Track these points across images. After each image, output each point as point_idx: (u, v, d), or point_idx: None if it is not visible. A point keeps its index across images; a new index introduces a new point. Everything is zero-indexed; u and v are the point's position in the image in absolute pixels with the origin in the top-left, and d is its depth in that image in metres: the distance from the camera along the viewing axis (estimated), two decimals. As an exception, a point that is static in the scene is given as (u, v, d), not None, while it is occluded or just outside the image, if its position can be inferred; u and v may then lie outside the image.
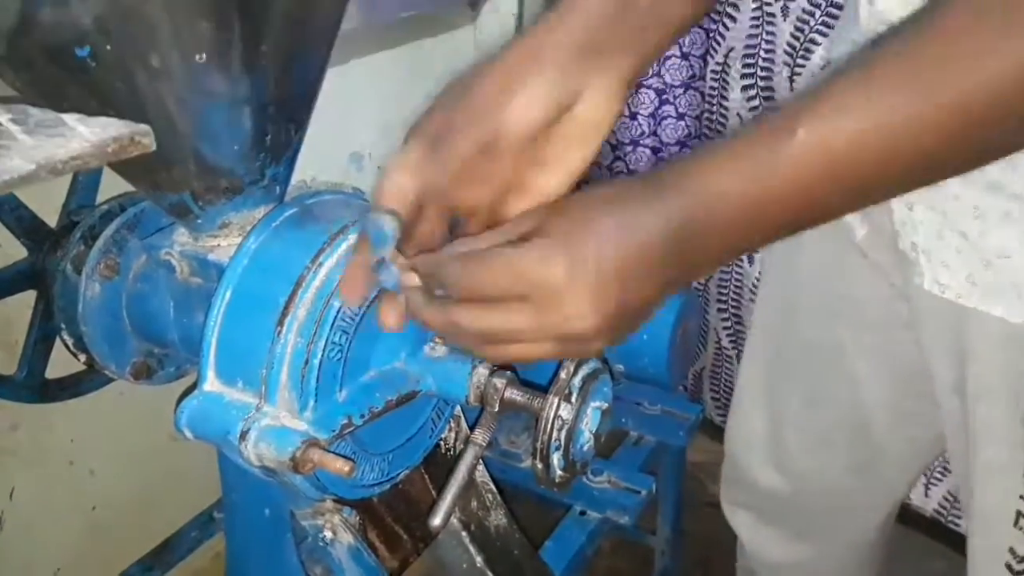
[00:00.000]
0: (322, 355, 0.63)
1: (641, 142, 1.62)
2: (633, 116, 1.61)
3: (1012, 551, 0.68)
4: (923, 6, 0.43)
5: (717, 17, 1.43)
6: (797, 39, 1.31)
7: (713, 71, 1.47)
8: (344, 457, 0.60)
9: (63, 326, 0.81)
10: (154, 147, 0.53)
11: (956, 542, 1.53)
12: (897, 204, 0.65)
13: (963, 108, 0.40)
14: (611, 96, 0.50)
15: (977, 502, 0.70)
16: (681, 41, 1.51)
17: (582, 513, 1.11)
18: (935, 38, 0.41)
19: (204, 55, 0.60)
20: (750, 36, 1.38)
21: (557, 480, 0.67)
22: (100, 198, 0.90)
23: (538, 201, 0.52)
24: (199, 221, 0.72)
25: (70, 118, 0.54)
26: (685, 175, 0.45)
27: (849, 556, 0.98)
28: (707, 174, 0.44)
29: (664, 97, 1.57)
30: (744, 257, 1.55)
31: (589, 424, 0.69)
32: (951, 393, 0.70)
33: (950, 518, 1.51)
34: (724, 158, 0.44)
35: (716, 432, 1.81)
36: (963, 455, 0.70)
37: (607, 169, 1.70)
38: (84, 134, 0.51)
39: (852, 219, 0.72)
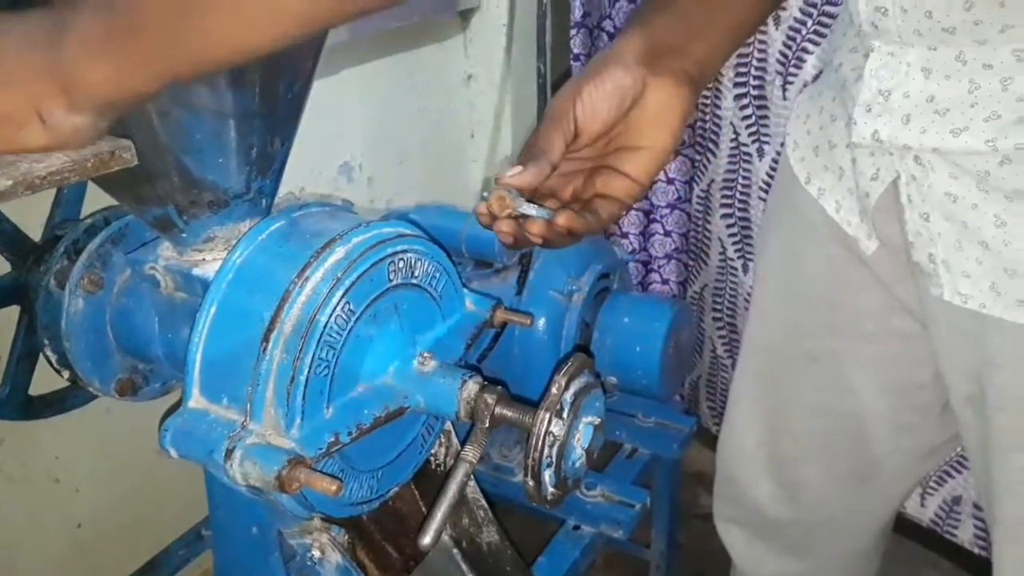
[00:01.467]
0: (308, 371, 0.62)
1: None
2: None
3: None
4: None
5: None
6: (789, 48, 1.31)
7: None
8: (331, 476, 0.59)
9: (46, 342, 0.80)
10: (135, 162, 0.52)
11: (951, 552, 1.52)
12: (911, 215, 0.64)
13: None
14: (677, 87, 0.59)
15: (1005, 512, 0.69)
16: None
17: (576, 528, 1.10)
18: None
19: (187, 67, 0.59)
20: (743, 45, 1.38)
21: (549, 497, 0.66)
22: (85, 211, 0.88)
23: (627, 183, 0.61)
24: (184, 235, 0.71)
25: (49, 132, 0.52)
26: None
27: (844, 567, 0.97)
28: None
29: None
30: (739, 266, 1.54)
31: (581, 440, 0.67)
32: (965, 405, 0.69)
33: (946, 528, 1.50)
34: None
35: (713, 442, 1.80)
36: (984, 466, 0.69)
37: None
38: (63, 148, 0.50)
39: (857, 233, 0.71)
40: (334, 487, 0.58)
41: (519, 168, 0.57)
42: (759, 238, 0.93)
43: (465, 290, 0.78)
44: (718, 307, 1.63)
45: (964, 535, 1.50)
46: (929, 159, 0.61)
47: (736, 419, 0.93)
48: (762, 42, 1.35)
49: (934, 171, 0.61)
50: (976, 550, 1.48)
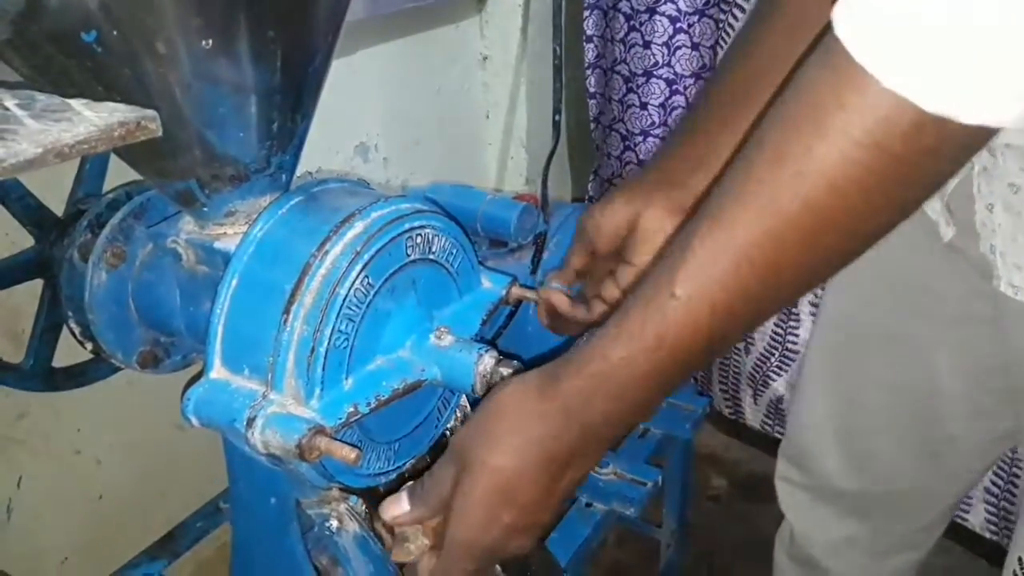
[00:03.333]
0: (328, 343, 0.63)
1: (652, 132, 1.62)
2: (644, 106, 1.60)
3: None
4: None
5: (727, 7, 1.42)
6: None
7: (722, 62, 1.47)
8: (350, 445, 0.60)
9: (70, 314, 0.81)
10: (160, 132, 0.53)
11: (962, 536, 1.53)
12: (979, 206, 0.65)
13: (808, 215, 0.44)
14: (666, 214, 0.66)
15: None
16: (691, 31, 1.50)
17: (588, 505, 1.11)
18: (763, 162, 0.46)
19: (210, 41, 0.59)
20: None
21: (563, 470, 0.67)
22: (107, 186, 0.90)
23: (618, 293, 0.70)
24: (205, 209, 0.72)
25: (76, 103, 0.53)
26: (575, 364, 0.52)
27: (904, 539, 0.98)
28: (595, 360, 0.51)
29: (675, 87, 1.56)
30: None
31: (596, 414, 0.68)
32: None
33: (957, 512, 1.51)
34: (610, 339, 0.50)
35: (725, 424, 1.81)
36: None
37: (617, 159, 1.69)
38: (90, 119, 0.51)
39: (938, 219, 0.72)
40: (353, 455, 0.59)
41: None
42: None
43: (481, 267, 0.79)
44: (731, 290, 1.63)
45: (975, 520, 1.50)
46: (1002, 150, 0.61)
47: (808, 389, 0.95)
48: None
49: (1005, 162, 0.62)
50: (987, 535, 1.49)
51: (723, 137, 0.65)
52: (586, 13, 1.62)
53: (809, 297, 1.49)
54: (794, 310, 1.52)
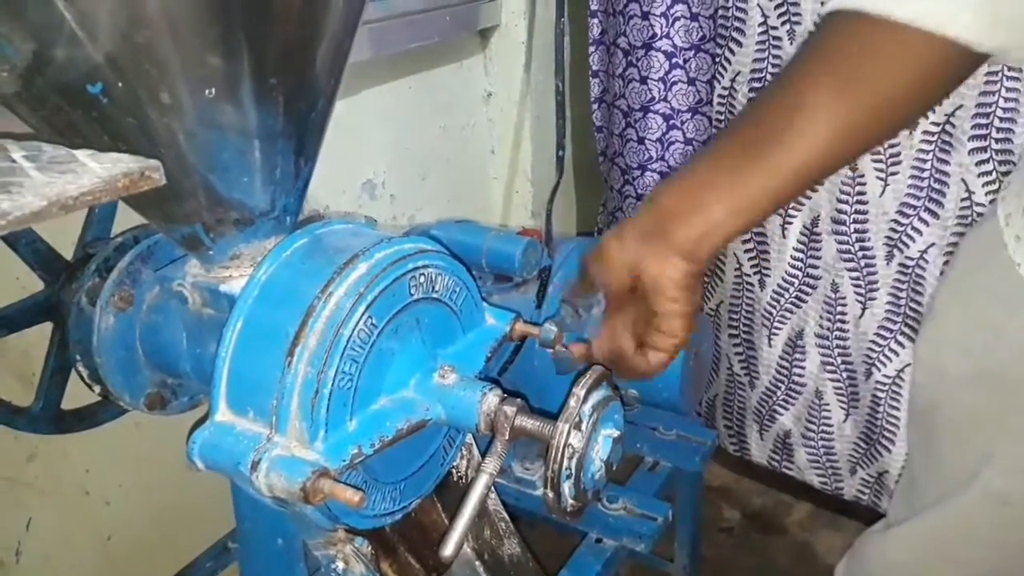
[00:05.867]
0: (332, 385, 0.63)
1: (649, 167, 1.63)
2: (641, 141, 1.61)
3: None
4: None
5: (723, 42, 1.43)
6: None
7: (720, 96, 1.48)
8: (354, 487, 0.60)
9: (78, 357, 0.82)
10: (164, 182, 0.54)
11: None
12: None
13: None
14: (663, 262, 0.65)
15: None
16: (687, 67, 1.52)
17: (598, 540, 1.10)
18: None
19: (213, 90, 0.61)
20: (756, 60, 1.39)
21: (568, 509, 0.67)
22: (115, 230, 0.91)
23: (663, 337, 0.68)
24: (211, 252, 0.72)
25: (82, 154, 0.54)
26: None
27: None
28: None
29: (672, 123, 1.57)
30: (755, 282, 1.54)
31: (600, 452, 0.68)
32: None
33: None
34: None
35: (730, 461, 1.79)
36: None
37: (618, 193, 1.70)
38: (95, 170, 0.51)
39: None
40: (357, 498, 0.59)
41: None
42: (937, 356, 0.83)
43: (485, 304, 0.79)
44: (734, 324, 1.62)
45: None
46: None
47: (895, 538, 0.90)
48: (776, 57, 1.36)
49: None
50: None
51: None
52: (591, 49, 1.64)
53: (815, 328, 1.49)
54: (799, 342, 1.51)
